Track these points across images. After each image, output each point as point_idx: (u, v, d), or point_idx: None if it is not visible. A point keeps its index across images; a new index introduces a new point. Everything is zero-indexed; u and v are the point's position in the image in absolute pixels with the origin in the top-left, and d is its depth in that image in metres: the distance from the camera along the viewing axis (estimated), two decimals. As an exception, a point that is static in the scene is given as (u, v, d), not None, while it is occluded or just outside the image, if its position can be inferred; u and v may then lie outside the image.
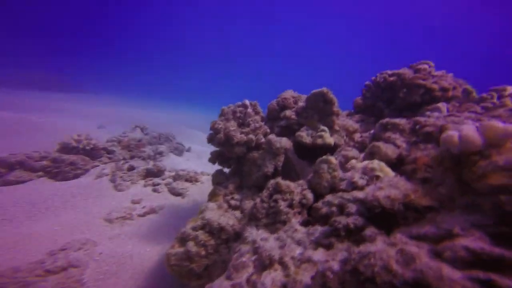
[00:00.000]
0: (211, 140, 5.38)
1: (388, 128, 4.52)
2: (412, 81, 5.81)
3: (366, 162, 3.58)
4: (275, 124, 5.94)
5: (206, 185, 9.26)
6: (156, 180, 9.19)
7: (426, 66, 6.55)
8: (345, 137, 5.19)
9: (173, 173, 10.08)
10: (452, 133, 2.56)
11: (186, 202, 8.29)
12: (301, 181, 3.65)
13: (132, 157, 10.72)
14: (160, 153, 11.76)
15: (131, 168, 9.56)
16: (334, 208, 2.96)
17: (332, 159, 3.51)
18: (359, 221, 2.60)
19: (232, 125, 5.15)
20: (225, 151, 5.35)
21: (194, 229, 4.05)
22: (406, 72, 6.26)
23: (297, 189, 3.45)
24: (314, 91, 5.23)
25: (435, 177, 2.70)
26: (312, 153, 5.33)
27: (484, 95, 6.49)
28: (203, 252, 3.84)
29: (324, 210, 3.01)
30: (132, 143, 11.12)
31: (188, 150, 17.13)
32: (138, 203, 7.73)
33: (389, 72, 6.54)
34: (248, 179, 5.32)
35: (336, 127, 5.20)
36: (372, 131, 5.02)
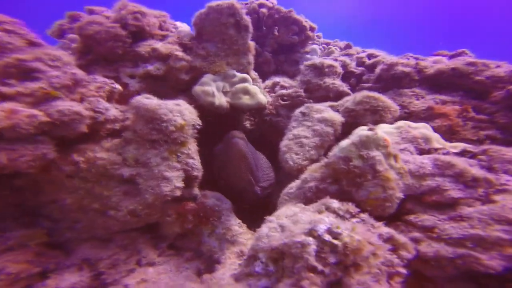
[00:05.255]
0: None
1: (325, 72, 2.93)
2: (289, 15, 4.41)
3: (403, 126, 1.85)
4: (124, 69, 2.45)
5: None
6: None
7: None
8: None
9: None
10: None
11: None
12: (349, 205, 1.30)
13: None
14: None
15: None
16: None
17: (381, 134, 1.44)
18: None
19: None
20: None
21: None
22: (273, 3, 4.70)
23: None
24: (213, 3, 2.35)
25: None
26: (229, 122, 2.76)
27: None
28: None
29: None
30: None
31: None
32: None
33: (255, 1, 4.69)
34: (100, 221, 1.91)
35: (253, 74, 2.85)
36: (297, 79, 3.24)
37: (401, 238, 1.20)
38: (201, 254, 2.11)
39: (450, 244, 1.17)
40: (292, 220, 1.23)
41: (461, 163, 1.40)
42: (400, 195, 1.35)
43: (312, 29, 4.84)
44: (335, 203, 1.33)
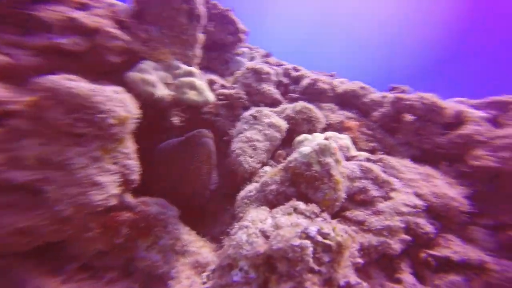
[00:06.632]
0: None
1: (263, 78, 3.08)
2: (227, 13, 4.27)
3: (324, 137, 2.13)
4: (2, 35, 1.62)
5: None
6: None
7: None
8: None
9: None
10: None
11: None
12: (313, 206, 1.38)
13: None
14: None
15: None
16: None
17: (333, 143, 1.64)
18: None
19: None
20: None
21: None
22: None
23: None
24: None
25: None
26: (153, 116, 2.32)
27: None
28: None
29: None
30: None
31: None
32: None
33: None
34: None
35: (198, 68, 2.55)
36: (229, 79, 3.17)
37: (352, 232, 1.42)
38: (132, 271, 1.71)
39: (375, 234, 1.49)
40: (272, 225, 1.21)
41: (376, 168, 1.82)
42: (344, 195, 1.59)
43: (244, 32, 4.87)
44: (301, 205, 1.40)
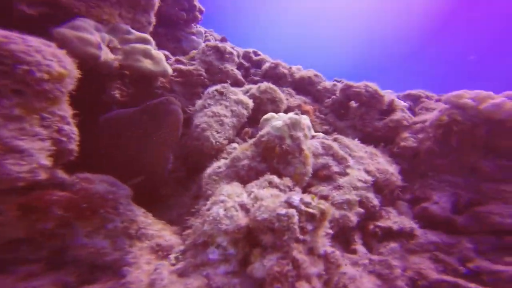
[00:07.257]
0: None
1: (226, 58, 2.91)
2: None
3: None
4: None
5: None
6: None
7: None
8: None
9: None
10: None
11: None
12: (287, 180, 1.34)
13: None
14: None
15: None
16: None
17: (301, 118, 1.64)
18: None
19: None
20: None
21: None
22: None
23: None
24: None
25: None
26: (88, 87, 1.89)
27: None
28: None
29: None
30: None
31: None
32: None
33: None
34: None
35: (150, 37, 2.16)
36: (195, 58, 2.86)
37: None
38: (66, 262, 1.36)
39: (337, 207, 1.58)
40: (251, 198, 1.12)
41: (335, 146, 1.93)
42: (311, 170, 1.62)
43: (200, 11, 4.47)
44: (276, 179, 1.36)
